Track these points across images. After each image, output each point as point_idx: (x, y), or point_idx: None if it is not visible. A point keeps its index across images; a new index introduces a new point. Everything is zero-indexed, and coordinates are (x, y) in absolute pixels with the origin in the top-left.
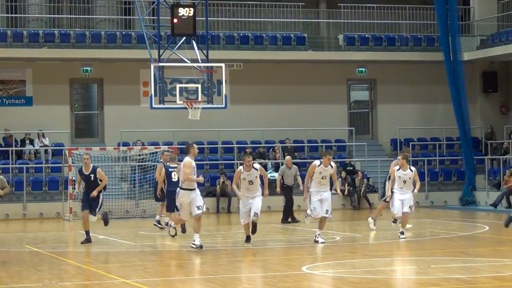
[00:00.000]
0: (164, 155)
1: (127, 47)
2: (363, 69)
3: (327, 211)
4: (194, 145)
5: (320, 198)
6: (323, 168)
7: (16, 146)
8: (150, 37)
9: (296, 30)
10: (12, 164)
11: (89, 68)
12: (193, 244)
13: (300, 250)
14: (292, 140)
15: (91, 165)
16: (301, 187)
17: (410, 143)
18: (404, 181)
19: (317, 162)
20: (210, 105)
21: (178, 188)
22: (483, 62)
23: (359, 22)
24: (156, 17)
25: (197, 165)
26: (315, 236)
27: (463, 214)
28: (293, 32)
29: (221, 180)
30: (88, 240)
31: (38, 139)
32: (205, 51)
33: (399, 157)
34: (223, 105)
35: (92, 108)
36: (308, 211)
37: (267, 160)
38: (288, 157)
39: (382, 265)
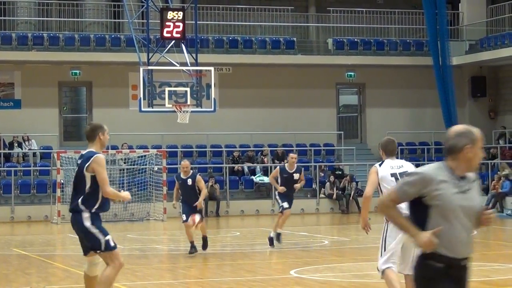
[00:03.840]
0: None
1: (116, 50)
2: (352, 73)
3: None
4: None
5: None
6: None
7: (4, 149)
8: (139, 41)
9: (285, 34)
10: (0, 167)
11: (78, 71)
12: None
13: (289, 254)
14: (280, 143)
15: None
16: None
17: (399, 147)
18: None
19: None
20: (199, 109)
21: None
22: (472, 67)
23: (348, 26)
24: (145, 21)
25: None
26: None
27: None
28: (282, 36)
29: (210, 183)
30: None
31: (24, 142)
32: (194, 55)
33: None
34: (212, 109)
35: (80, 111)
36: None
37: (255, 164)
38: None
39: (370, 269)
